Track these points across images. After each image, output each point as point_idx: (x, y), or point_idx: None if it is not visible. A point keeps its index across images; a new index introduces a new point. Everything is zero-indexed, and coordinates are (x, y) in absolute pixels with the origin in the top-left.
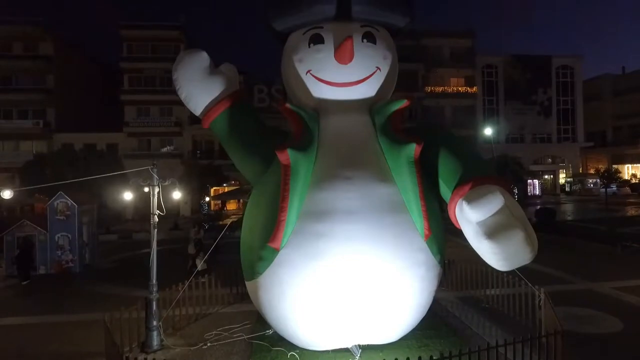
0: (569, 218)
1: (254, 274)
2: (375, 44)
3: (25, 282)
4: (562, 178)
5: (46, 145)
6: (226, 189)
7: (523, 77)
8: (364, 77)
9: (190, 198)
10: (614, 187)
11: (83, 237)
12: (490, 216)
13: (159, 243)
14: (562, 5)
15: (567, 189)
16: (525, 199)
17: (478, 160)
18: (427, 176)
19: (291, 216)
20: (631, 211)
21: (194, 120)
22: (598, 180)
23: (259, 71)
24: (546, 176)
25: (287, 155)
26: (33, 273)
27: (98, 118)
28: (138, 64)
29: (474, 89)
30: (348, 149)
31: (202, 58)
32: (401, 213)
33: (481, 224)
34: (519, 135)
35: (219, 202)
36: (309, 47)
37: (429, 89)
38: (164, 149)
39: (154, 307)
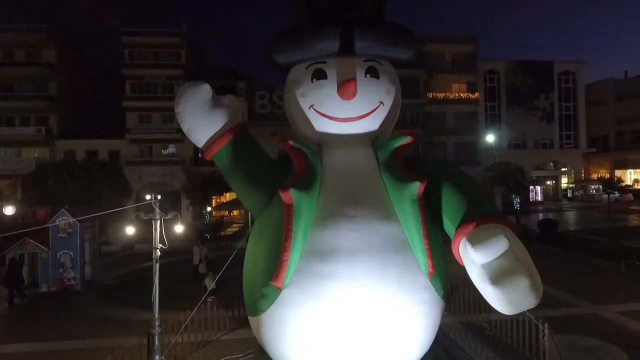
0: (571, 228)
1: (257, 311)
2: (378, 78)
3: (11, 305)
4: (564, 184)
5: (48, 152)
6: (227, 196)
7: (525, 82)
8: (367, 112)
9: (192, 208)
10: (616, 194)
11: (85, 254)
12: (494, 259)
13: (160, 256)
14: (564, 11)
15: (569, 195)
16: (527, 206)
17: (483, 198)
18: (430, 210)
19: (294, 255)
20: (634, 220)
21: None
22: (600, 186)
23: (260, 77)
24: (548, 182)
25: (289, 195)
26: (35, 290)
27: (100, 124)
28: (139, 71)
29: (476, 94)
30: (351, 185)
31: (205, 90)
32: (405, 252)
33: (486, 267)
34: (521, 141)
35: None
36: (312, 81)
37: (430, 95)
38: (165, 151)
39: (157, 342)
